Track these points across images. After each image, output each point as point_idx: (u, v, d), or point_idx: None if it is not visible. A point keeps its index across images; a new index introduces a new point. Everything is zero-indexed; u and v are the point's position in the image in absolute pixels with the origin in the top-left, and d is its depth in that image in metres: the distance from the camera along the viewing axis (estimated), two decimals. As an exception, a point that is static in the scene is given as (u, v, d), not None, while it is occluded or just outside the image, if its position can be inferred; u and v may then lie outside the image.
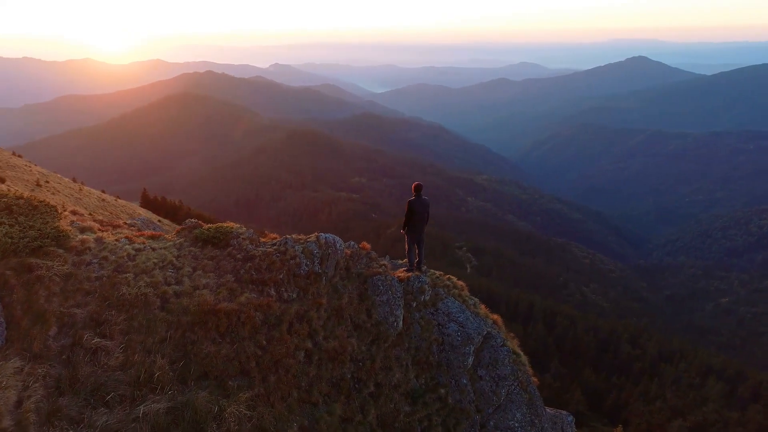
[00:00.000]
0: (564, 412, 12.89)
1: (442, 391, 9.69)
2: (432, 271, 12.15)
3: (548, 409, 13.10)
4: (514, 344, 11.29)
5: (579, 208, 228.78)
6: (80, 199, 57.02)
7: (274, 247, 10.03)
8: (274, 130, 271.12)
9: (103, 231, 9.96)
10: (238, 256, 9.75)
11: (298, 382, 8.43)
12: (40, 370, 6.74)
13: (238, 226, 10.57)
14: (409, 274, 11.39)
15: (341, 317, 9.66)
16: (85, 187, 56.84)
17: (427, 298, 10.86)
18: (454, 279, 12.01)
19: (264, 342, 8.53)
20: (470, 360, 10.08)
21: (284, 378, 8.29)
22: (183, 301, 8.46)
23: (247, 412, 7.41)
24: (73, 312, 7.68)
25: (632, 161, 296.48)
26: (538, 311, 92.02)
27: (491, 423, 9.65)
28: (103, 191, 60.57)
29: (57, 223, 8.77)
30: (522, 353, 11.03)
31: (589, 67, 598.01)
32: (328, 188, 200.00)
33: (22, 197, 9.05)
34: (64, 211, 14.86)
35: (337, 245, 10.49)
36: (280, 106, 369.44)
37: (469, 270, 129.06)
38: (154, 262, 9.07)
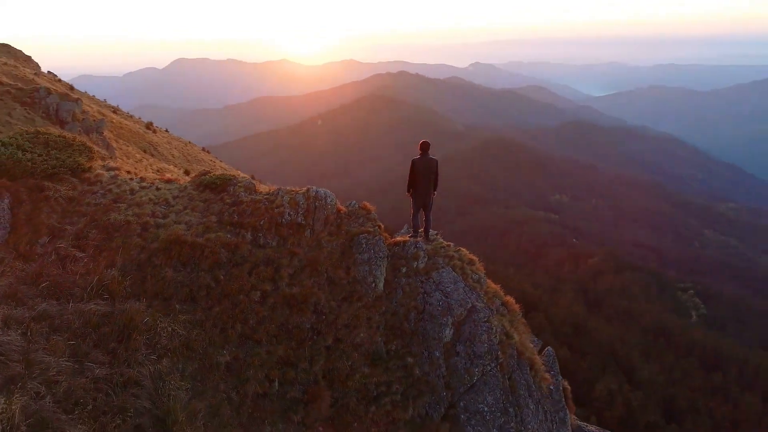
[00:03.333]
0: (611, 434, 12.26)
1: (410, 359, 10.30)
2: (440, 240, 12.70)
3: (592, 427, 12.63)
4: (519, 330, 11.31)
5: None
6: (254, 197, 68.04)
7: (266, 196, 11.73)
8: (467, 136, 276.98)
9: (128, 173, 12.73)
10: (228, 200, 11.67)
11: (244, 318, 9.94)
12: (17, 264, 9.34)
13: (244, 176, 12.53)
14: (408, 238, 12.18)
15: (315, 269, 10.90)
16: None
17: (421, 265, 11.50)
18: (464, 251, 12.36)
19: (221, 277, 10.24)
20: (447, 332, 10.49)
21: (229, 311, 9.87)
22: (160, 231, 10.60)
23: (180, 331, 9.16)
24: (64, 227, 10.31)
25: None
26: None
27: (462, 404, 9.95)
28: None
29: (79, 158, 11.66)
30: (517, 337, 11.00)
31: None
32: (522, 205, 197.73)
33: (62, 136, 12.21)
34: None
35: (328, 200, 11.78)
36: (476, 110, 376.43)
37: (694, 318, 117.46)
38: (150, 198, 11.45)
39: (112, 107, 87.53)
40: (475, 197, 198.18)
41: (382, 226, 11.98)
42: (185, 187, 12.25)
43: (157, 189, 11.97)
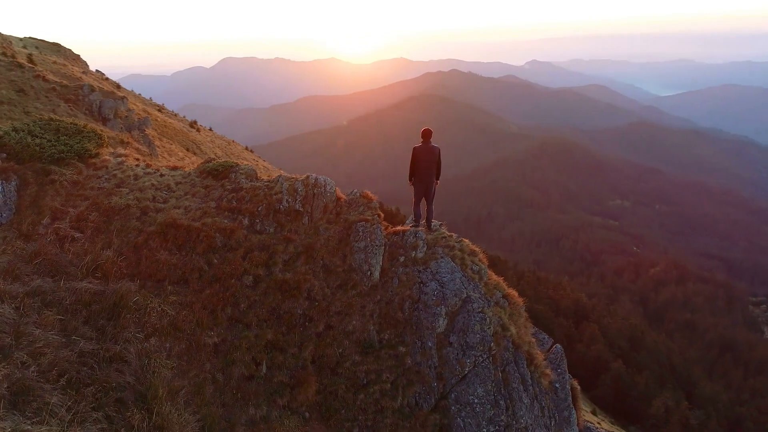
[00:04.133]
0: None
1: (402, 349, 10.53)
2: (443, 231, 12.87)
3: (602, 429, 12.55)
4: (518, 323, 11.36)
5: None
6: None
7: (266, 183, 12.21)
8: (521, 138, 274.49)
9: (136, 160, 13.45)
10: (228, 187, 12.21)
11: (235, 301, 10.41)
12: (18, 243, 10.05)
13: (247, 164, 13.06)
14: (408, 227, 12.44)
15: (311, 256, 11.29)
16: None
17: (420, 255, 11.71)
18: (467, 242, 12.49)
19: (215, 261, 10.75)
20: (441, 322, 10.66)
21: (220, 294, 10.35)
22: (158, 215, 11.20)
23: (169, 311, 9.69)
24: (67, 210, 11.04)
25: None
26: None
27: (453, 395, 10.11)
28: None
29: (87, 144, 12.42)
30: (515, 330, 11.06)
31: None
32: (578, 210, 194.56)
33: (74, 124, 13.03)
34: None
35: (327, 187, 12.16)
36: (532, 110, 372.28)
37: (767, 334, 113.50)
38: (152, 184, 12.10)
39: (158, 106, 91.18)
40: (528, 201, 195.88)
41: (382, 215, 12.27)
42: (189, 174, 12.87)
43: (161, 175, 12.62)
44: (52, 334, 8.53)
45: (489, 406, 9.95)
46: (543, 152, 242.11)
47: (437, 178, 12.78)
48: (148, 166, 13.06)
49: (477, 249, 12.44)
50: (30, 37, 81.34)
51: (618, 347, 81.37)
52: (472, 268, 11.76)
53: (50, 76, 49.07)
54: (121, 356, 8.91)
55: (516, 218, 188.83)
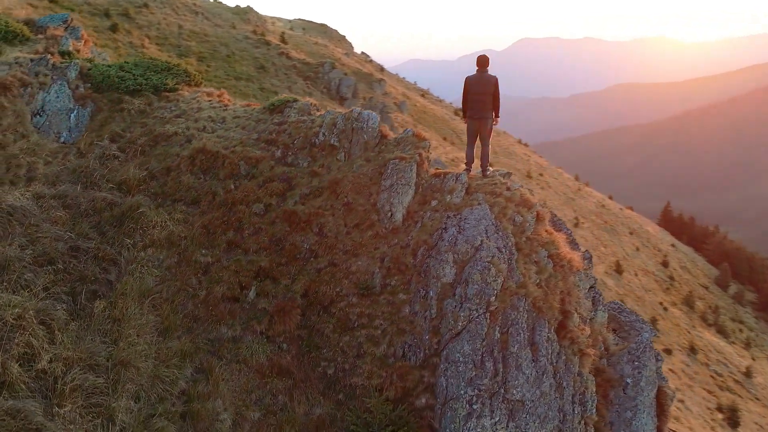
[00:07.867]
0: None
1: (402, 296, 11.27)
2: (499, 177, 13.11)
3: None
4: (554, 288, 11.23)
5: None
6: (573, 199, 73.36)
7: (312, 118, 14.02)
8: None
9: (224, 99, 16.29)
10: (276, 120, 14.25)
11: (239, 227, 12.31)
12: (70, 158, 13.50)
13: (309, 100, 15.07)
14: (450, 171, 13.10)
15: (334, 192, 12.66)
16: (586, 188, 73.20)
17: (456, 200, 12.19)
18: (521, 192, 12.58)
19: (231, 186, 12.92)
20: (448, 271, 11.11)
21: (225, 217, 12.37)
22: (197, 142, 13.86)
23: (171, 226, 12.21)
24: (125, 134, 14.26)
25: None
26: None
27: (445, 352, 10.65)
28: (610, 196, 76.14)
29: (167, 80, 15.67)
30: (538, 291, 10.96)
31: None
32: None
33: (166, 62, 16.47)
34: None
35: (369, 122, 13.36)
36: None
37: None
38: (209, 116, 14.73)
39: (422, 91, 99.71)
40: None
41: (424, 155, 13.18)
42: (252, 110, 15.26)
43: (224, 109, 15.24)
44: (57, 230, 11.62)
45: (472, 365, 10.32)
46: None
47: (496, 115, 13.21)
48: (221, 102, 15.85)
49: (533, 201, 12.59)
50: (299, 19, 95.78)
51: None
52: (514, 219, 12.01)
53: (294, 54, 57.45)
54: (112, 258, 11.65)
55: None
